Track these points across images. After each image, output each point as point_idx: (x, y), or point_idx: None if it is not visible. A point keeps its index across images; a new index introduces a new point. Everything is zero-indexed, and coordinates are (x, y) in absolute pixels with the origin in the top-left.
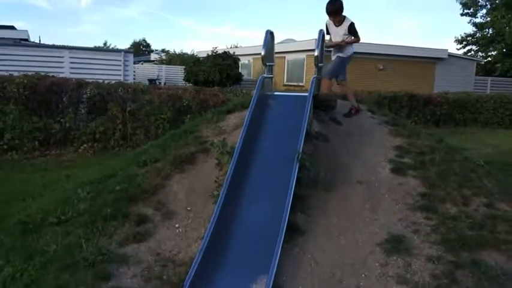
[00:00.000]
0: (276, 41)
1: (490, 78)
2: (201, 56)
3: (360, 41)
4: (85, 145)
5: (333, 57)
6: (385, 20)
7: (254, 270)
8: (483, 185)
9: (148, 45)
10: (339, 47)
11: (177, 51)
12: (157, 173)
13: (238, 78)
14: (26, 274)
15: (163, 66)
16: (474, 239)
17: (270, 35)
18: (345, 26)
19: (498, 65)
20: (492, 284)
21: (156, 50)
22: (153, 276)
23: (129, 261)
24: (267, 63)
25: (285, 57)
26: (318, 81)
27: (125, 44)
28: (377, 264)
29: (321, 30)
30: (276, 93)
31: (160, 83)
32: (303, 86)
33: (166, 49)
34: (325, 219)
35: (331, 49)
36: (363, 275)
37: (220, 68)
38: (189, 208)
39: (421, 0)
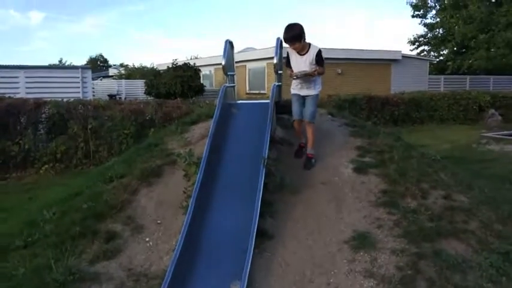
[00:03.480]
0: (236, 50)
1: (443, 77)
2: (161, 68)
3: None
4: (46, 166)
5: (295, 92)
6: (339, 24)
7: (226, 276)
8: (440, 178)
9: (105, 61)
10: (309, 81)
11: (136, 65)
12: (124, 188)
13: (200, 89)
14: None
15: (123, 80)
16: (434, 230)
17: (229, 45)
18: (312, 54)
19: (449, 63)
20: (454, 271)
21: (115, 65)
22: None
23: (100, 279)
24: (228, 73)
25: (246, 65)
26: (278, 88)
27: (81, 61)
28: (345, 261)
29: (278, 38)
30: (238, 101)
31: (120, 98)
32: (265, 94)
33: (125, 63)
34: (292, 222)
35: (298, 82)
36: (332, 273)
37: (182, 79)
38: (158, 221)
39: (373, 3)
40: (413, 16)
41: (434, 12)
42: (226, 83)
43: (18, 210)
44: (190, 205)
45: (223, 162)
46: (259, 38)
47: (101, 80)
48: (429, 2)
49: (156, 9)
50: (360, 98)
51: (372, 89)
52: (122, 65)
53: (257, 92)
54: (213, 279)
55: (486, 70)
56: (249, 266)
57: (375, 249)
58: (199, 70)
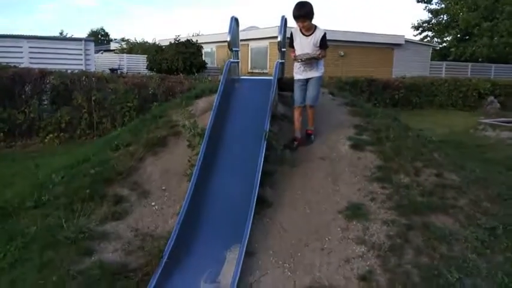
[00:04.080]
0: (239, 29)
1: (445, 63)
2: (164, 44)
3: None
4: (51, 135)
5: (299, 77)
6: (342, 6)
7: (228, 239)
8: (433, 158)
9: (106, 35)
10: (311, 63)
11: (138, 40)
12: (131, 156)
13: (202, 66)
14: (9, 254)
15: (125, 55)
16: (424, 204)
17: (234, 21)
18: (317, 36)
19: (452, 49)
20: (441, 242)
21: (116, 39)
22: (134, 249)
23: (109, 238)
24: (233, 49)
25: (248, 44)
26: (281, 65)
27: (82, 33)
28: (339, 229)
29: (283, 16)
30: (242, 77)
31: (122, 72)
32: (267, 73)
33: (126, 38)
34: (290, 192)
35: (301, 64)
36: (327, 239)
37: (184, 56)
38: (163, 187)
39: None
40: (418, 1)
41: None
42: (231, 58)
43: (26, 175)
44: (194, 173)
45: (226, 134)
46: (262, 17)
47: (101, 53)
48: None
49: None
50: (362, 81)
51: (373, 72)
52: (123, 40)
53: (259, 71)
54: (215, 240)
55: (488, 58)
56: (249, 229)
57: (367, 219)
58: (202, 47)
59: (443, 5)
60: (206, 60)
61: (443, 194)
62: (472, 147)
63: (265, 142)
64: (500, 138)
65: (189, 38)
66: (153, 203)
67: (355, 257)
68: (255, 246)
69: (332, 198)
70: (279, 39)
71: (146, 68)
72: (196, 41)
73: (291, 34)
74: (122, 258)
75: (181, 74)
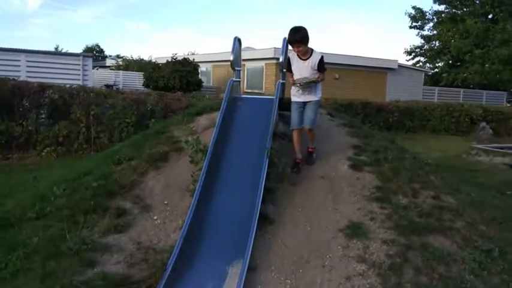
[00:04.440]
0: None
1: (437, 88)
2: (160, 62)
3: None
4: (48, 148)
5: (296, 100)
6: (335, 30)
7: (230, 254)
8: (430, 180)
9: (101, 51)
10: (310, 87)
11: (134, 57)
12: (133, 170)
13: (198, 85)
14: (10, 264)
15: (121, 72)
16: (423, 225)
17: (238, 42)
18: (315, 60)
19: (444, 75)
20: (439, 263)
21: (111, 56)
22: (136, 262)
23: (112, 250)
24: (236, 68)
25: (244, 65)
26: (282, 86)
27: (77, 49)
28: (339, 247)
29: (285, 38)
30: (243, 96)
31: (118, 88)
32: (262, 93)
33: (121, 55)
34: (292, 209)
35: (299, 88)
36: (328, 256)
37: (181, 74)
38: (165, 202)
39: (372, 12)
40: (410, 27)
41: (431, 24)
42: (233, 77)
43: (25, 187)
44: (197, 188)
45: (228, 151)
46: (257, 39)
47: (97, 69)
48: (427, 14)
49: (153, 4)
50: (356, 104)
51: (367, 95)
52: (118, 56)
53: (255, 91)
54: (218, 255)
55: (480, 84)
56: (251, 246)
57: (367, 238)
58: (198, 66)
59: (435, 32)
60: (202, 79)
61: (441, 216)
62: (465, 172)
63: (268, 159)
64: (493, 164)
65: (186, 57)
66: (155, 217)
67: (356, 275)
68: (257, 262)
69: (332, 217)
70: (281, 59)
71: (142, 85)
72: (193, 59)
73: (288, 58)
74: (124, 270)
75: (179, 92)
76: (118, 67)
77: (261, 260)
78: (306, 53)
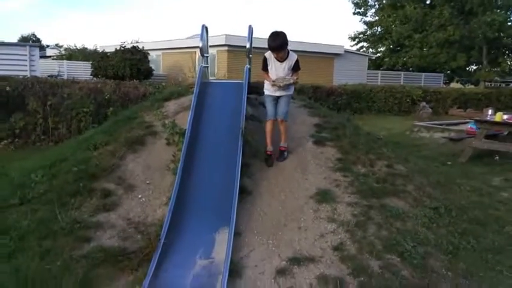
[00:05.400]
0: (184, 37)
1: (380, 72)
2: (108, 50)
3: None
4: (5, 141)
5: (271, 93)
6: (281, 17)
7: (215, 224)
8: (383, 152)
9: (38, 40)
10: (288, 85)
11: (78, 46)
12: (112, 154)
13: (149, 73)
14: (4, 246)
15: (65, 61)
16: (380, 189)
17: (205, 30)
18: (291, 61)
19: (386, 59)
20: (396, 219)
21: (50, 45)
22: (129, 235)
23: (104, 227)
24: (204, 55)
25: (195, 51)
26: (249, 71)
27: (12, 38)
28: (311, 210)
29: (250, 26)
30: (211, 80)
31: (62, 78)
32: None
33: (60, 44)
34: (266, 181)
35: (275, 86)
36: (302, 219)
37: (131, 62)
38: (147, 182)
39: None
40: (354, 13)
41: (373, 11)
42: (202, 63)
43: None
44: (179, 166)
45: (203, 131)
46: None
47: None
48: (369, 1)
49: None
50: (308, 87)
51: (317, 80)
52: (57, 45)
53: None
54: (205, 224)
55: (419, 67)
56: (235, 213)
57: (335, 202)
58: (148, 54)
59: (377, 18)
60: (152, 67)
61: (394, 181)
62: (410, 146)
63: (242, 138)
64: (434, 139)
65: (135, 45)
66: (139, 196)
67: (328, 233)
68: (240, 228)
69: (303, 186)
70: (247, 46)
71: (90, 75)
72: (143, 47)
73: (265, 58)
74: (119, 243)
75: (135, 80)
76: (61, 57)
77: (244, 226)
78: (283, 56)
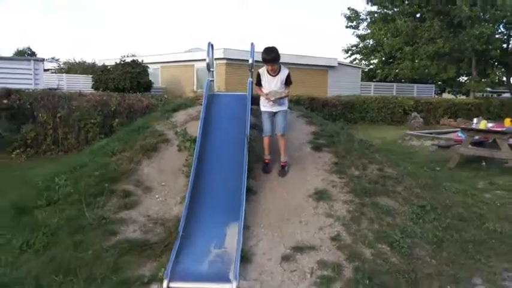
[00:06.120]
0: (182, 50)
1: (373, 83)
2: (108, 64)
3: (257, 50)
4: (17, 150)
5: (267, 110)
6: (277, 28)
7: (226, 219)
8: (375, 157)
9: (33, 54)
10: (280, 98)
11: (75, 59)
12: (128, 160)
13: (148, 86)
14: (38, 240)
15: (64, 75)
16: (372, 189)
17: (211, 47)
18: (283, 75)
19: (379, 71)
20: (386, 215)
21: (48, 59)
22: (150, 229)
23: (127, 222)
24: (210, 69)
25: (194, 65)
26: (251, 84)
27: (7, 52)
28: (311, 207)
29: (252, 43)
30: (217, 93)
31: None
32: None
33: (56, 57)
34: (269, 182)
35: (269, 101)
36: (303, 215)
37: (131, 76)
38: (163, 184)
39: (310, 13)
40: (347, 27)
41: (365, 24)
42: (208, 77)
43: (15, 184)
44: (192, 168)
45: (211, 139)
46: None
47: None
48: (361, 14)
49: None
50: (304, 99)
51: (312, 91)
52: (54, 59)
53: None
54: (216, 220)
55: (411, 79)
56: (244, 209)
57: (331, 200)
58: (148, 67)
59: (369, 31)
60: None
61: (385, 183)
62: (401, 154)
63: (248, 144)
64: (424, 147)
65: (134, 59)
66: (156, 196)
67: (326, 226)
68: (248, 222)
69: (303, 186)
70: (250, 62)
71: (91, 88)
72: (142, 61)
73: (258, 74)
74: (142, 236)
75: (138, 93)
76: (60, 70)
77: (251, 221)
78: (275, 70)
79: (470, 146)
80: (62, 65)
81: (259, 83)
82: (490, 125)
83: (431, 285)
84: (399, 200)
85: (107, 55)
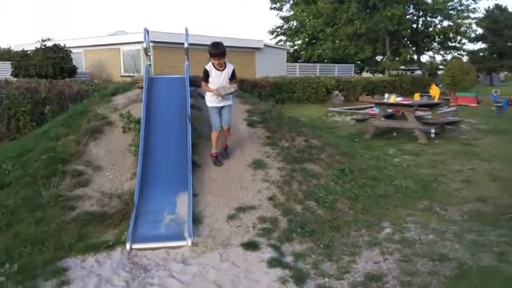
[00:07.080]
0: (106, 33)
1: (298, 64)
2: (28, 49)
3: (189, 33)
4: None
5: (216, 104)
6: (202, 12)
7: (175, 189)
8: (302, 131)
9: None
10: (230, 93)
11: None
12: (76, 142)
13: (73, 71)
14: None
15: None
16: (300, 157)
17: (147, 32)
18: (229, 70)
19: (302, 52)
20: (312, 178)
21: None
22: (106, 203)
23: (83, 198)
24: (148, 54)
25: (119, 48)
26: (188, 66)
27: None
28: (250, 175)
29: (186, 28)
30: (155, 76)
31: None
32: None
33: None
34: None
35: (218, 97)
36: (243, 181)
37: (53, 61)
38: (112, 163)
39: None
40: (271, 8)
41: (288, 6)
42: (147, 61)
43: None
44: (140, 146)
45: (155, 119)
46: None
47: None
48: None
49: None
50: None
51: (239, 74)
52: None
53: (132, 74)
54: (166, 190)
55: (332, 59)
56: (191, 180)
57: (267, 167)
58: (71, 52)
59: (292, 12)
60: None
61: (311, 151)
62: (325, 128)
63: (190, 122)
64: (345, 122)
65: (56, 43)
66: (107, 174)
67: (263, 189)
68: (196, 191)
69: (241, 158)
70: (185, 46)
71: (11, 75)
72: (64, 45)
73: (205, 70)
74: (100, 209)
75: (67, 79)
76: None
77: (198, 190)
78: (222, 65)
79: (383, 118)
80: None
81: (206, 79)
82: (398, 99)
83: (350, 229)
84: (323, 165)
85: (23, 40)
